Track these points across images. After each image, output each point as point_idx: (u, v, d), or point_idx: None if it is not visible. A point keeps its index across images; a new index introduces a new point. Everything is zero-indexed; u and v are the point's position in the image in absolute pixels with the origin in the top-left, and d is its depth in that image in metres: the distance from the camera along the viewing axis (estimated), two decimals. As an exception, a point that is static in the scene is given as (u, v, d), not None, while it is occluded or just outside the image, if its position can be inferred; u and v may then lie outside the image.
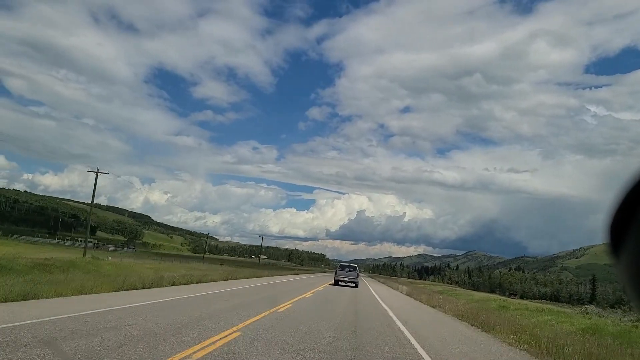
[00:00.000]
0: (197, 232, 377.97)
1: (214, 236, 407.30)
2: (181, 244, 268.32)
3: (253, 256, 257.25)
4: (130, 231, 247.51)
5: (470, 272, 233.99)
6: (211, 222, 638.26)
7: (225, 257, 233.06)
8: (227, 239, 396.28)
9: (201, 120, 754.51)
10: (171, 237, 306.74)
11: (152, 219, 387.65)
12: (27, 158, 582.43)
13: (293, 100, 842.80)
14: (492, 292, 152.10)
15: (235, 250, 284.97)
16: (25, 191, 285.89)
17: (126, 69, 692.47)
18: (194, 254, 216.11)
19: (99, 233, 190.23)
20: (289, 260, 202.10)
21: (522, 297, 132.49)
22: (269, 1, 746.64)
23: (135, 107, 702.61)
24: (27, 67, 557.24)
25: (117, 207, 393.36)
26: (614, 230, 1.12)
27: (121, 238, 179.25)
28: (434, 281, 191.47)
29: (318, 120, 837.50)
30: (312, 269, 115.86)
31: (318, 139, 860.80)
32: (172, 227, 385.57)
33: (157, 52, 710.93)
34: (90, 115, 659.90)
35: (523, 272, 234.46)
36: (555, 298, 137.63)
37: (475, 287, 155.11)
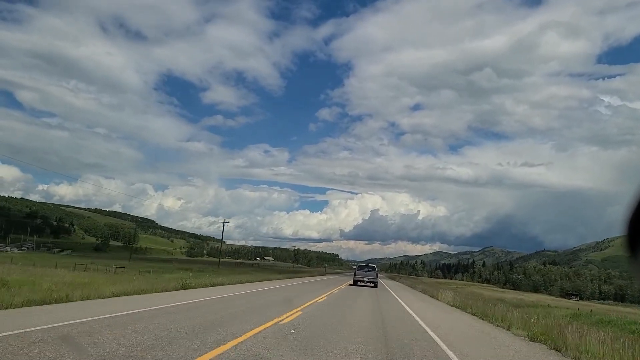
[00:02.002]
0: (204, 235, 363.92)
1: (220, 239, 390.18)
2: (180, 247, 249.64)
3: (258, 258, 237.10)
4: (123, 235, 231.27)
5: (501, 267, 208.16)
6: (225, 227, 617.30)
7: (227, 259, 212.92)
8: (242, 242, 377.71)
9: (212, 125, 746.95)
10: (172, 241, 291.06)
11: (157, 224, 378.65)
12: (41, 169, 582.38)
13: (302, 101, 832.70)
14: (536, 291, 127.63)
15: (239, 252, 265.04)
16: (22, 198, 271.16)
17: (136, 77, 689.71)
18: (189, 257, 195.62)
19: (76, 236, 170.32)
20: (295, 262, 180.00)
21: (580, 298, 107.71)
22: (276, 3, 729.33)
23: (146, 114, 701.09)
24: (38, 79, 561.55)
25: (120, 212, 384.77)
26: (633, 224, 1.05)
27: (94, 241, 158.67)
28: (463, 280, 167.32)
29: (328, 121, 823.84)
30: (312, 271, 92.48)
31: (329, 139, 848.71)
32: (178, 231, 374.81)
33: (166, 58, 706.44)
34: (102, 125, 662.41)
35: (561, 266, 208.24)
36: (620, 298, 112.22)
37: (516, 286, 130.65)
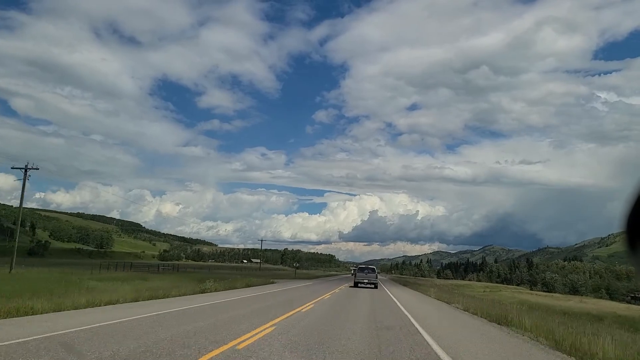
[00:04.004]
0: (194, 239, 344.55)
1: (212, 242, 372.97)
2: (159, 250, 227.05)
3: (245, 261, 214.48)
4: (94, 238, 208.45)
5: (517, 266, 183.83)
6: (223, 231, 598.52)
7: (210, 262, 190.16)
8: (241, 246, 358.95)
9: (208, 129, 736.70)
10: (154, 245, 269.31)
11: (143, 227, 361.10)
12: (38, 177, 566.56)
13: (299, 104, 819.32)
14: (575, 293, 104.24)
15: (224, 255, 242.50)
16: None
17: (131, 83, 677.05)
18: (162, 261, 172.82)
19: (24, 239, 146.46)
20: (282, 263, 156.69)
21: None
22: (270, 5, 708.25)
23: (142, 120, 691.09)
24: (32, 87, 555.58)
25: (105, 217, 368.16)
26: (632, 220, 1.04)
27: (61, 245, 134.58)
28: (480, 280, 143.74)
29: (325, 123, 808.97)
30: (279, 275, 68.32)
31: (326, 141, 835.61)
32: (163, 234, 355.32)
33: (161, 63, 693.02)
34: (98, 131, 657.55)
35: (585, 262, 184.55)
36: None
37: (550, 289, 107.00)
